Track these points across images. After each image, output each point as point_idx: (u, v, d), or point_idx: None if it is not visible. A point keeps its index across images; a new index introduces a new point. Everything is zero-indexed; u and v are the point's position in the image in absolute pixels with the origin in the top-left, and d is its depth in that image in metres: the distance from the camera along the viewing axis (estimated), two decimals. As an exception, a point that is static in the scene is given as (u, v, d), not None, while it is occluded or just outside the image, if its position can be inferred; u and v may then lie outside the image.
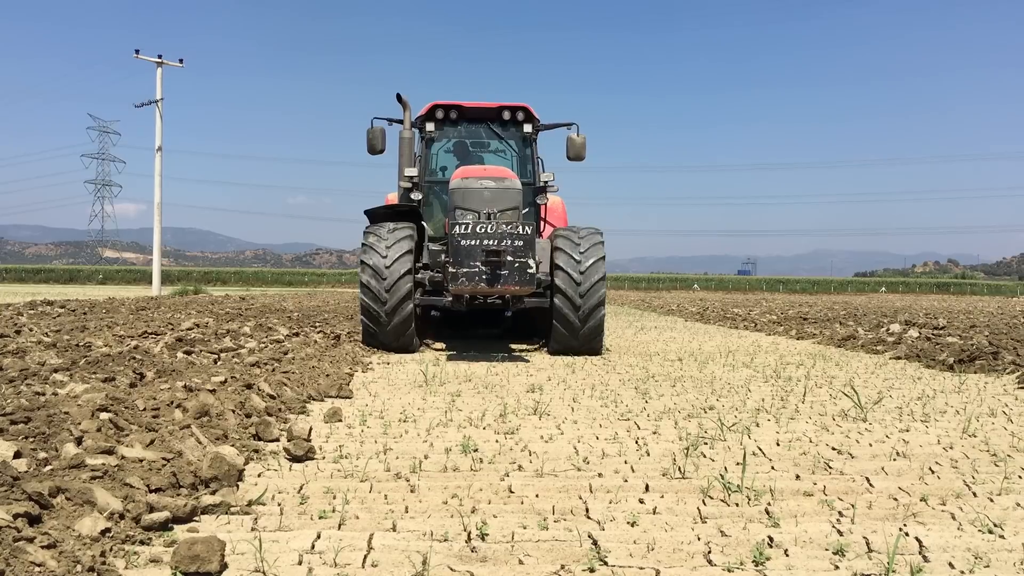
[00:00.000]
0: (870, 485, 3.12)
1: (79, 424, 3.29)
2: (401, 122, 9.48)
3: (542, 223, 9.61)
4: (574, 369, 7.22)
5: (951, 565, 2.27)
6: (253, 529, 2.49)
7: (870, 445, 3.91)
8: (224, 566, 2.15)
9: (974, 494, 3.02)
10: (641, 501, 2.87)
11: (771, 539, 2.45)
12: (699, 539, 2.44)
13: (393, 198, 10.01)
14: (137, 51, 28.08)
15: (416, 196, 9.14)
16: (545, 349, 8.95)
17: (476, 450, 3.66)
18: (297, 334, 9.20)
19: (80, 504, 2.39)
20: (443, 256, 8.27)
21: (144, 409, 3.83)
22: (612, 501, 2.87)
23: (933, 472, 3.37)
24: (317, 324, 11.28)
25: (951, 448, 3.87)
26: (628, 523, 2.61)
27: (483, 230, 7.48)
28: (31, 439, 3.06)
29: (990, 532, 2.55)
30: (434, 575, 2.17)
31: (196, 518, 2.56)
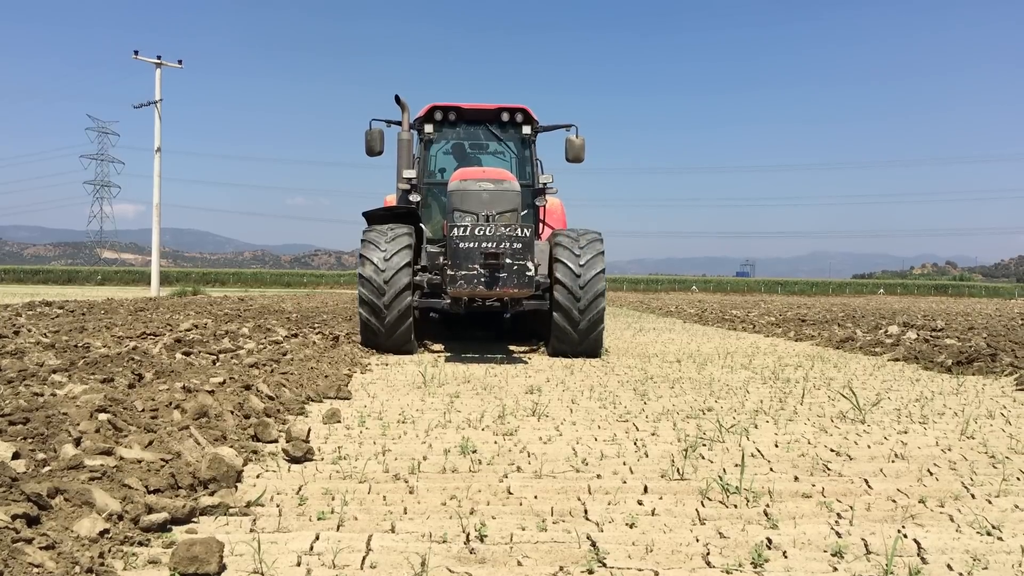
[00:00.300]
0: (868, 487, 3.13)
1: (78, 425, 3.29)
2: (399, 124, 9.47)
3: (541, 225, 9.60)
4: (573, 370, 7.22)
5: (949, 567, 2.28)
6: (252, 530, 2.49)
7: (868, 447, 3.92)
8: (223, 567, 2.15)
9: (972, 496, 3.02)
10: (640, 502, 2.87)
11: (770, 541, 2.45)
12: (698, 540, 2.44)
13: (392, 200, 9.99)
14: (136, 52, 28.07)
15: (414, 198, 9.12)
16: (544, 350, 8.95)
17: (475, 451, 3.66)
18: (296, 335, 9.19)
19: (79, 505, 2.39)
20: (441, 258, 8.25)
21: (143, 410, 3.83)
22: (611, 502, 2.87)
23: (931, 474, 3.38)
24: (316, 325, 11.27)
25: (949, 450, 3.87)
26: (627, 524, 2.61)
27: (481, 232, 7.45)
28: (30, 440, 3.06)
29: (988, 534, 2.56)
30: (433, 576, 2.17)
31: (195, 519, 2.56)
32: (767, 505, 2.85)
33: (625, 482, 3.14)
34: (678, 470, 3.32)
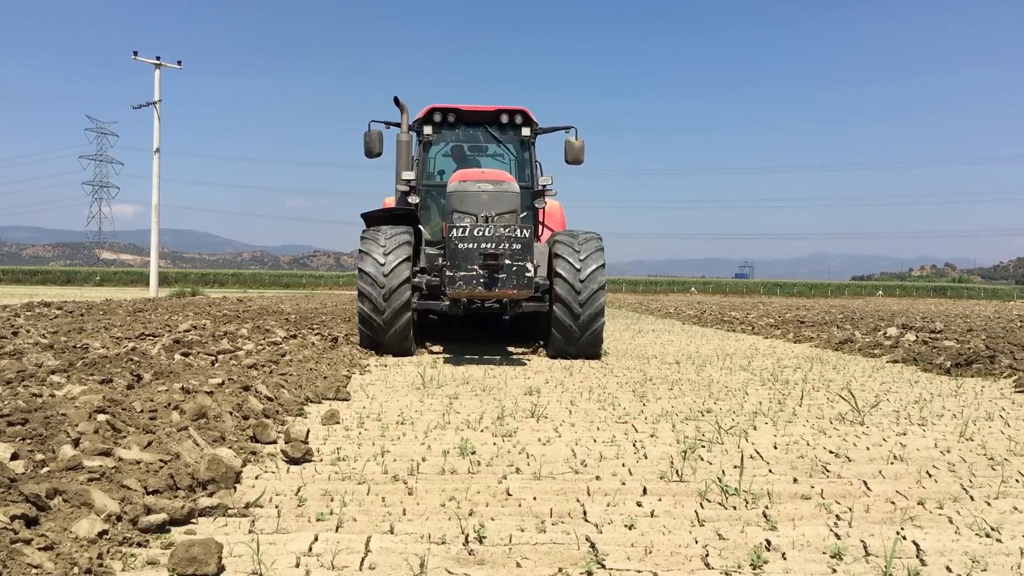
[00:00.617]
0: (867, 488, 3.13)
1: (76, 426, 3.29)
2: (398, 125, 9.45)
3: (540, 227, 9.58)
4: (572, 372, 7.22)
5: (948, 569, 2.28)
6: (251, 531, 2.49)
7: (867, 448, 3.92)
8: (221, 568, 2.15)
9: (971, 498, 3.02)
10: (639, 504, 2.87)
11: (769, 542, 2.45)
12: (697, 542, 2.44)
13: (391, 202, 9.97)
14: (135, 53, 28.05)
15: (413, 199, 9.10)
16: (543, 352, 8.94)
17: (474, 452, 3.65)
18: (295, 336, 9.19)
19: (77, 506, 2.39)
20: (440, 259, 8.24)
21: (142, 411, 3.83)
22: (610, 504, 2.87)
23: (930, 476, 3.38)
24: (315, 326, 11.27)
25: (948, 452, 3.87)
26: (626, 526, 2.61)
27: (480, 233, 7.41)
28: (28, 441, 3.06)
29: (987, 536, 2.56)
30: (432, 578, 2.17)
31: (193, 520, 2.56)
32: (766, 507, 2.86)
33: (624, 483, 3.14)
34: (677, 472, 3.32)
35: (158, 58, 28.33)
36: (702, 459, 3.62)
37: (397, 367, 7.40)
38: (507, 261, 7.39)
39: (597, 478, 3.24)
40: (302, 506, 2.78)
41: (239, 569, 2.18)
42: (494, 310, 8.64)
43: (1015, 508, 2.89)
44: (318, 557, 2.27)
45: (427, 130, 9.55)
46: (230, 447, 3.40)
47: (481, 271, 7.38)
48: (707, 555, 2.34)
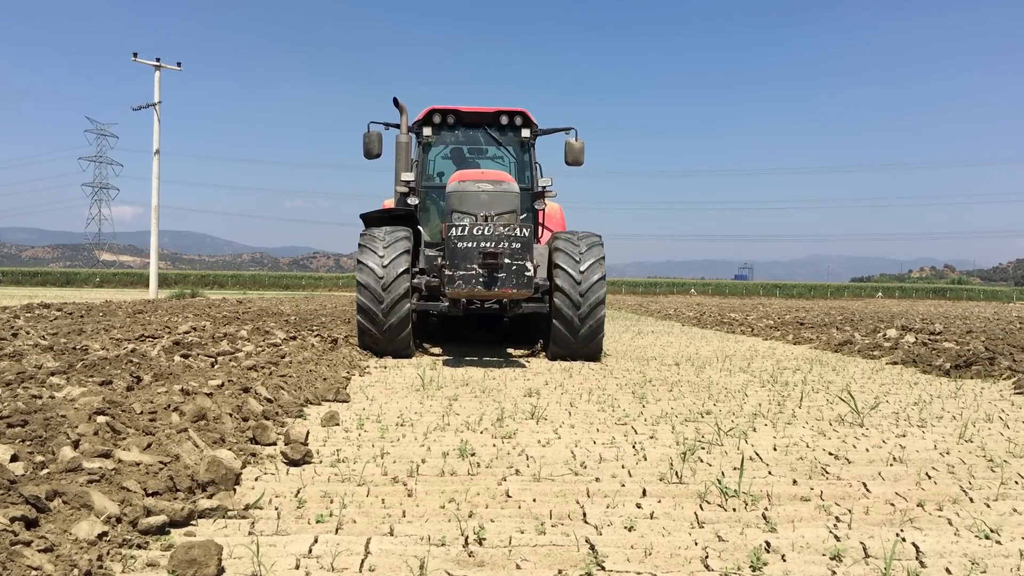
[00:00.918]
0: (867, 490, 3.13)
1: (76, 427, 3.28)
2: (398, 126, 9.43)
3: (540, 228, 9.57)
4: (571, 373, 7.22)
5: (948, 571, 2.28)
6: (250, 533, 2.49)
7: (867, 450, 3.92)
8: (221, 570, 2.15)
9: (971, 499, 3.03)
10: (638, 506, 2.87)
11: (768, 544, 2.46)
12: (696, 544, 2.44)
13: (390, 203, 9.96)
14: (135, 54, 28.05)
15: (413, 201, 9.08)
16: (543, 354, 8.94)
17: (473, 454, 3.66)
18: (294, 338, 9.19)
19: (77, 508, 2.39)
20: (440, 259, 8.21)
21: (141, 412, 3.83)
22: (609, 506, 2.87)
23: (930, 477, 3.38)
24: (314, 328, 11.27)
25: (948, 453, 3.87)
26: (625, 528, 2.61)
27: (480, 232, 7.36)
28: (28, 442, 3.06)
29: (987, 537, 2.56)
30: (431, 579, 2.17)
31: (193, 522, 2.56)
32: (766, 508, 2.86)
33: (624, 485, 3.14)
34: (677, 473, 3.32)
35: (158, 60, 28.34)
36: (702, 461, 3.62)
37: (397, 369, 7.40)
38: (506, 260, 7.34)
39: (597, 480, 3.24)
40: (302, 508, 2.78)
41: (239, 571, 2.18)
42: (493, 311, 8.60)
43: (1014, 510, 2.89)
44: (318, 559, 2.27)
45: (426, 131, 9.53)
46: (230, 449, 3.40)
47: (480, 270, 7.33)
48: (707, 557, 2.34)
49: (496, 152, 10.14)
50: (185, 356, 6.53)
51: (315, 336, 9.59)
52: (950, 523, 2.72)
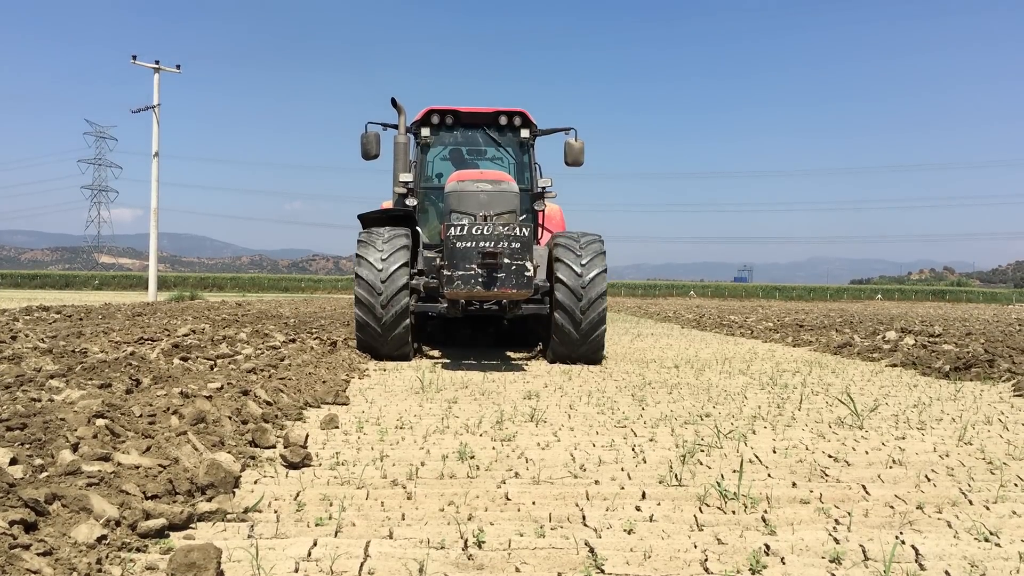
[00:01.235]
0: (866, 493, 3.13)
1: (75, 430, 3.28)
2: (396, 127, 9.36)
3: (540, 229, 9.51)
4: (571, 376, 7.22)
5: (947, 573, 2.28)
6: (249, 536, 2.49)
7: (866, 453, 3.92)
8: (220, 573, 2.15)
9: (970, 502, 3.03)
10: (638, 508, 2.87)
11: (768, 547, 2.45)
12: (696, 547, 2.44)
13: (389, 204, 9.90)
14: (134, 57, 28.07)
15: (411, 202, 9.00)
16: (542, 356, 8.92)
17: (473, 457, 3.65)
18: (294, 340, 9.19)
19: (76, 511, 2.39)
20: (438, 260, 8.11)
21: (140, 415, 3.83)
22: (609, 508, 2.87)
23: (929, 480, 3.38)
24: (313, 330, 11.27)
25: (947, 456, 3.87)
26: (625, 531, 2.61)
27: (479, 231, 7.27)
28: (27, 445, 3.06)
29: (986, 540, 2.56)
30: (431, 583, 2.17)
31: (192, 525, 2.56)
32: (765, 511, 2.86)
33: (623, 488, 3.14)
34: (676, 476, 3.32)
35: (157, 62, 28.35)
36: (701, 463, 3.62)
37: (396, 371, 7.40)
38: (506, 260, 7.25)
39: (596, 482, 3.24)
40: (301, 511, 2.78)
41: (238, 574, 2.18)
42: (493, 312, 8.52)
43: (1014, 512, 2.89)
44: (317, 562, 2.27)
45: (425, 132, 9.46)
46: (229, 452, 3.40)
47: (480, 270, 7.24)
48: (706, 560, 2.34)
49: (495, 153, 10.08)
50: (184, 359, 6.53)
51: (314, 339, 9.59)
52: (949, 525, 2.72)
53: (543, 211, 9.48)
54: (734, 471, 3.40)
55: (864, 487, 3.20)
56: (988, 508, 2.94)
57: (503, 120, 9.52)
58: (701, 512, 2.84)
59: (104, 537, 2.27)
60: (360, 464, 3.48)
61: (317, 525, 2.62)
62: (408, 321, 8.00)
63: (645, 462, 3.64)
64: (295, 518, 2.69)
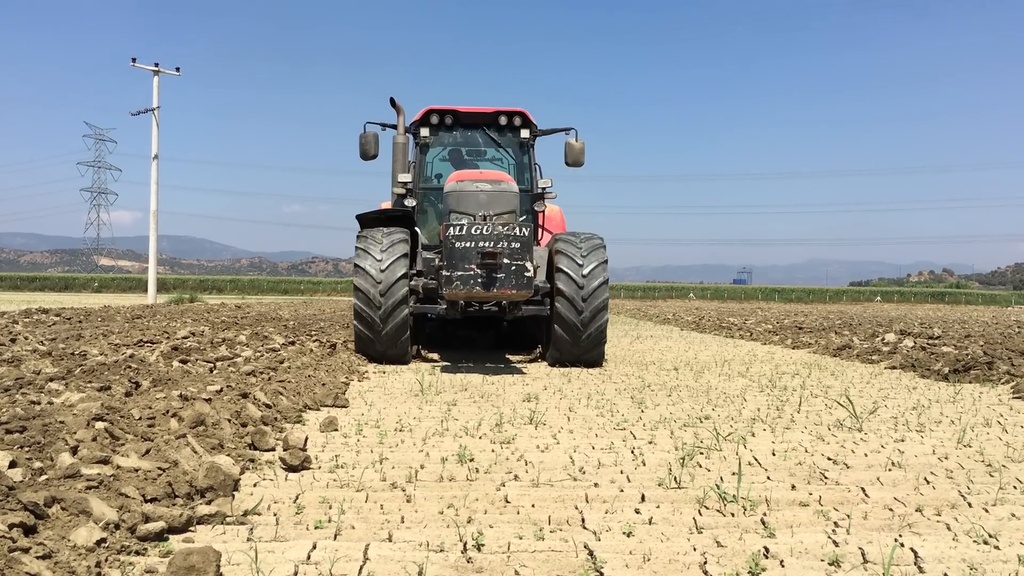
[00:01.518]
0: (865, 495, 3.13)
1: (75, 433, 3.28)
2: (395, 127, 9.30)
3: (540, 231, 9.45)
4: (570, 379, 7.22)
5: (946, 576, 2.28)
6: (249, 539, 2.49)
7: (865, 455, 3.92)
8: (220, 577, 2.15)
9: (969, 504, 3.03)
10: (637, 511, 2.87)
11: (767, 549, 2.46)
12: (695, 549, 2.45)
13: (388, 205, 9.81)
14: (134, 59, 28.09)
15: (410, 202, 8.93)
16: (541, 359, 8.91)
17: (472, 460, 3.65)
18: (293, 343, 9.18)
19: (75, 514, 2.39)
20: (437, 260, 8.05)
21: (140, 418, 3.83)
22: (608, 511, 2.87)
23: (928, 482, 3.38)
24: (313, 333, 11.27)
25: (946, 458, 3.88)
26: (624, 533, 2.61)
27: (478, 231, 7.19)
28: (26, 448, 3.05)
29: (985, 543, 2.56)
30: (430, 586, 2.17)
31: (192, 528, 2.56)
32: (764, 514, 2.86)
33: (622, 491, 3.14)
34: (675, 479, 3.32)
35: (156, 65, 28.36)
36: (700, 466, 3.62)
37: (395, 374, 7.40)
38: (505, 260, 7.17)
39: (595, 485, 3.24)
40: (300, 514, 2.78)
41: (237, 577, 2.18)
42: (492, 313, 8.44)
43: (1013, 515, 2.89)
44: (316, 565, 2.27)
45: (424, 132, 9.40)
46: (228, 455, 3.40)
47: (479, 271, 7.17)
48: (705, 563, 2.34)
49: (495, 153, 10.01)
50: (184, 361, 6.53)
51: (314, 341, 9.59)
52: (948, 528, 2.72)
53: (543, 212, 9.42)
54: (733, 474, 3.40)
55: (863, 489, 3.20)
56: (987, 511, 2.95)
57: (503, 120, 9.46)
58: (700, 515, 2.84)
59: (103, 540, 2.27)
60: (359, 467, 3.48)
61: (316, 528, 2.62)
62: (407, 324, 7.95)
63: (644, 465, 3.64)
64: (294, 521, 2.69)
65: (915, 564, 2.37)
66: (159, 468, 2.96)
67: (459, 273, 7.19)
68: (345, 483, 3.21)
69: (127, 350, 7.32)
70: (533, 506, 2.94)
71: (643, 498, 3.05)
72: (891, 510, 2.93)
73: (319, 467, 3.48)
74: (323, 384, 5.97)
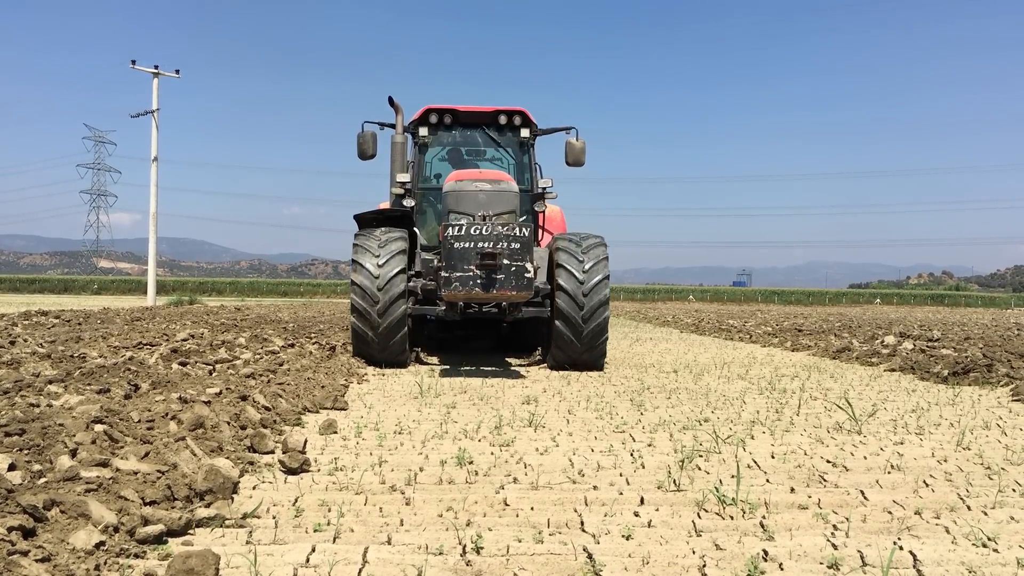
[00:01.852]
0: (864, 498, 3.13)
1: (74, 436, 3.28)
2: (393, 126, 9.24)
3: (540, 231, 9.36)
4: (569, 381, 7.22)
5: (945, 579, 2.28)
6: (248, 542, 2.49)
7: (865, 458, 3.92)
8: (219, 580, 2.15)
9: (968, 507, 3.03)
10: (636, 514, 2.87)
11: (766, 552, 2.46)
12: (694, 552, 2.45)
13: (386, 206, 9.67)
14: (133, 62, 28.11)
15: (409, 203, 8.84)
16: (541, 361, 8.89)
17: (471, 462, 3.65)
18: (292, 345, 9.18)
19: (74, 517, 2.39)
20: (436, 261, 7.96)
21: (139, 421, 3.83)
22: (607, 514, 2.87)
23: (927, 485, 3.38)
24: (312, 335, 11.26)
25: (945, 461, 3.88)
26: (623, 536, 2.61)
27: (478, 232, 7.10)
28: (26, 451, 3.06)
29: (984, 546, 2.56)
30: (429, 589, 2.17)
31: (191, 531, 2.56)
32: (763, 517, 2.86)
33: (622, 493, 3.14)
34: (674, 481, 3.32)
35: (156, 67, 28.38)
36: (699, 469, 3.62)
37: (395, 376, 7.40)
38: (505, 261, 7.08)
39: (595, 488, 3.24)
40: (299, 517, 2.78)
41: (236, 580, 2.18)
42: (492, 315, 8.34)
43: (1012, 518, 2.89)
44: (315, 568, 2.27)
45: (423, 131, 9.30)
46: (227, 457, 3.40)
47: (478, 271, 7.07)
48: (704, 565, 2.34)
49: (495, 153, 9.92)
50: (183, 364, 6.53)
51: (313, 343, 9.58)
52: (947, 531, 2.72)
53: (543, 212, 9.32)
54: (732, 476, 3.40)
55: (862, 492, 3.20)
56: (986, 514, 2.95)
57: (503, 119, 9.36)
58: (699, 518, 2.84)
59: (102, 543, 2.27)
60: (359, 469, 3.48)
61: (315, 531, 2.62)
62: (405, 320, 7.85)
63: (643, 467, 3.64)
64: (293, 524, 2.69)
65: (914, 567, 2.37)
66: (158, 471, 2.96)
67: (458, 274, 7.10)
68: (344, 486, 3.20)
69: (126, 352, 7.33)
70: (532, 509, 2.94)
71: (642, 501, 3.05)
72: (890, 513, 2.93)
73: (318, 470, 3.48)
74: (322, 387, 5.97)
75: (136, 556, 2.30)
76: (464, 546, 2.48)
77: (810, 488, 3.30)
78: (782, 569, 2.34)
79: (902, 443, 4.35)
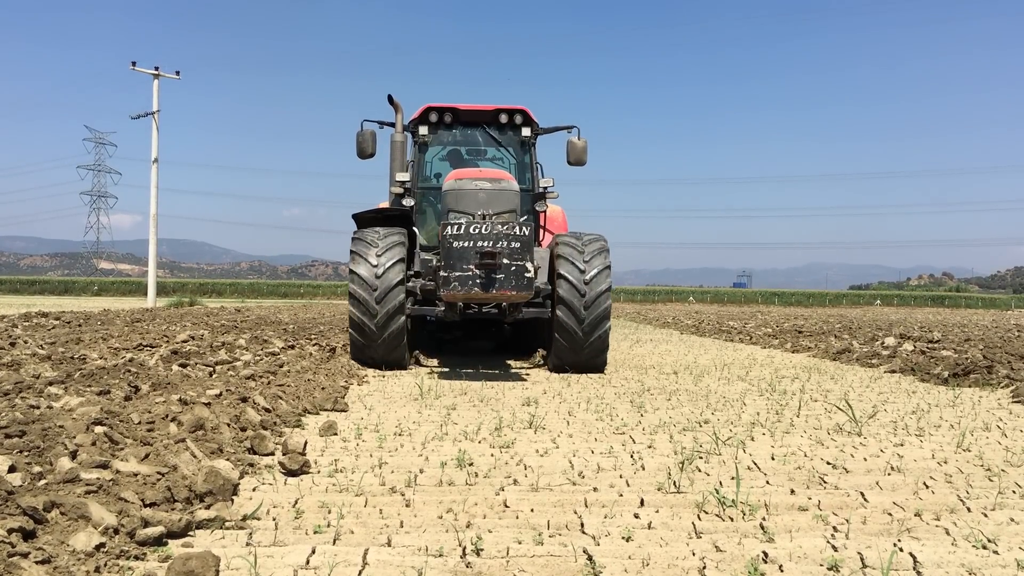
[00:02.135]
0: (865, 500, 3.13)
1: (74, 438, 3.29)
2: (393, 125, 9.16)
3: (541, 231, 9.28)
4: (569, 383, 7.22)
5: (945, 581, 2.28)
6: (248, 544, 2.49)
7: (865, 459, 3.92)
8: (219, 581, 2.15)
9: (968, 509, 3.03)
10: (636, 516, 2.88)
11: (766, 554, 2.46)
12: (694, 554, 2.45)
13: (386, 205, 9.51)
14: (134, 63, 28.11)
15: (408, 202, 8.75)
16: (542, 363, 8.88)
17: (471, 464, 3.66)
18: (292, 346, 9.18)
19: (75, 519, 2.39)
20: (435, 261, 7.88)
21: (139, 423, 3.83)
22: (607, 516, 2.87)
23: (927, 487, 3.38)
24: (312, 336, 11.27)
25: (945, 463, 3.88)
26: (623, 538, 2.61)
27: (477, 231, 7.01)
28: (26, 453, 3.06)
29: (984, 547, 2.56)
30: (429, 591, 2.17)
31: (191, 533, 2.56)
32: (763, 518, 2.86)
33: (621, 495, 3.14)
34: (674, 483, 3.32)
35: (156, 68, 28.39)
36: (699, 470, 3.62)
37: (395, 378, 7.39)
38: (505, 260, 6.99)
39: (594, 489, 3.24)
40: (299, 518, 2.78)
41: (236, 582, 2.18)
42: (492, 316, 8.26)
43: (1012, 519, 2.89)
44: (315, 570, 2.27)
45: (423, 130, 9.20)
46: (228, 459, 3.40)
47: (478, 271, 6.98)
48: (704, 567, 2.35)
49: (495, 152, 9.84)
50: (183, 365, 6.53)
51: (313, 345, 9.59)
52: (947, 533, 2.72)
53: (544, 212, 9.24)
54: (732, 478, 3.40)
55: (862, 494, 3.20)
56: (986, 515, 2.95)
57: (503, 118, 9.26)
58: (699, 519, 2.84)
59: (102, 545, 2.27)
60: (359, 471, 3.48)
61: (315, 533, 2.62)
62: (404, 331, 7.80)
63: (644, 469, 3.64)
64: (293, 526, 2.69)
65: (914, 569, 2.37)
66: (158, 473, 2.96)
67: (457, 274, 7.02)
68: (344, 487, 3.20)
69: (126, 354, 7.33)
70: (532, 511, 2.94)
71: (642, 502, 3.05)
72: (890, 515, 2.93)
73: (318, 471, 3.48)
74: (322, 388, 5.97)
75: (136, 558, 2.30)
76: (464, 548, 2.48)
77: (810, 490, 3.30)
78: (782, 571, 2.34)
79: (902, 445, 4.35)
